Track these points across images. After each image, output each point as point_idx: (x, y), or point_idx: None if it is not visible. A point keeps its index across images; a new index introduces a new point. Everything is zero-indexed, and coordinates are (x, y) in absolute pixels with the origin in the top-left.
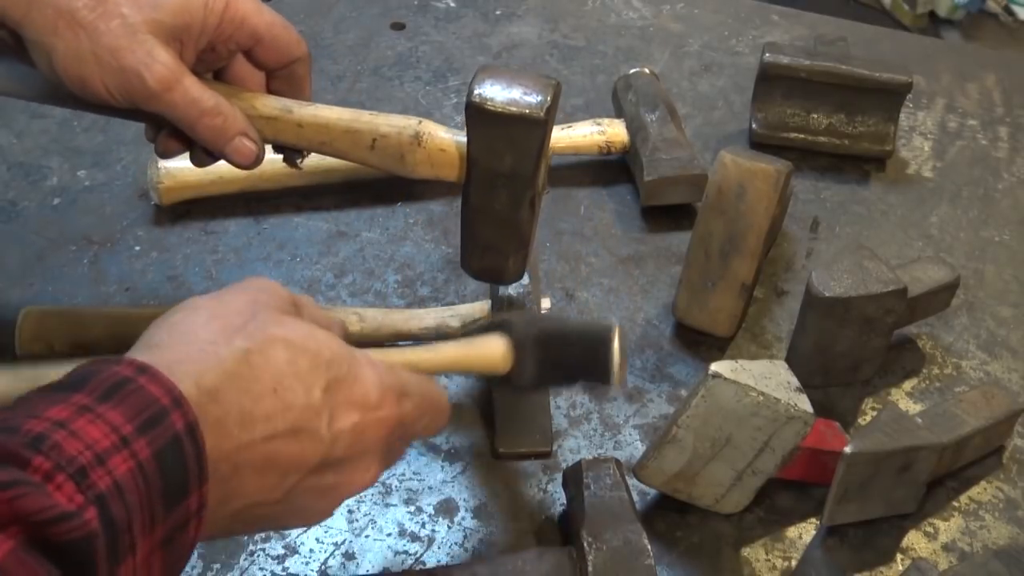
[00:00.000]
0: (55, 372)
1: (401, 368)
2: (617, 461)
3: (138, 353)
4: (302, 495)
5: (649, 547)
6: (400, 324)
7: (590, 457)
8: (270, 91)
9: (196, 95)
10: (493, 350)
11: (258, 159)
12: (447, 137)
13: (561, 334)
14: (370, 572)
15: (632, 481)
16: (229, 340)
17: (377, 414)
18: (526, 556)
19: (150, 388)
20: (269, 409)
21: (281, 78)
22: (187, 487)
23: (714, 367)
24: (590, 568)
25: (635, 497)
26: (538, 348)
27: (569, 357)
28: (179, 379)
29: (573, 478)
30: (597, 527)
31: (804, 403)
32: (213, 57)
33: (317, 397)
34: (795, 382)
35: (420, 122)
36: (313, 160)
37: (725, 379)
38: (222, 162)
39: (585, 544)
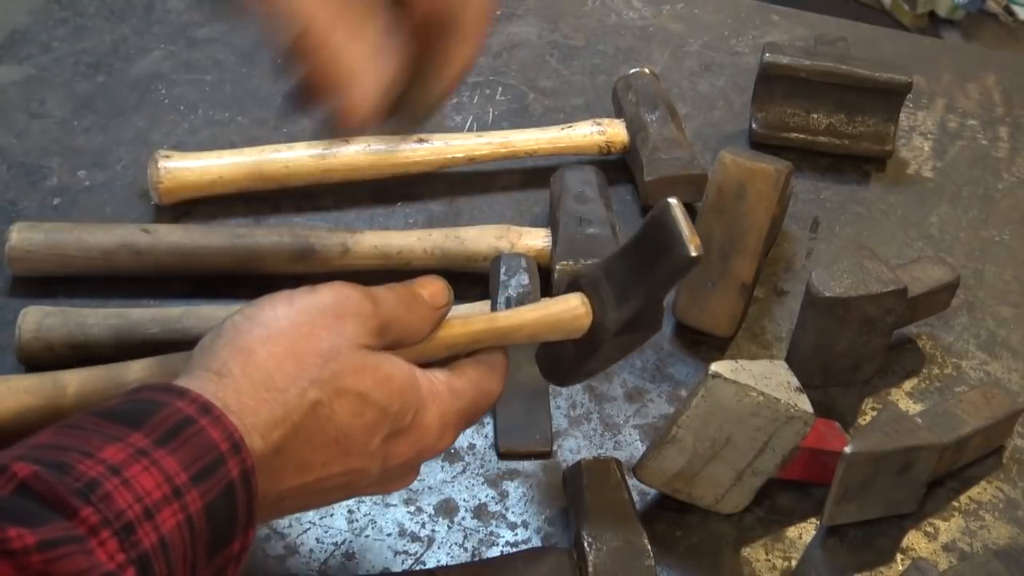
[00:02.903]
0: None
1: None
2: (617, 461)
3: (205, 380)
4: (339, 500)
5: (649, 547)
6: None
7: (590, 457)
8: None
9: None
10: (570, 302)
11: None
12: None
13: (623, 251)
14: (370, 572)
15: (632, 481)
16: (302, 390)
17: (431, 448)
18: (526, 556)
19: (211, 432)
20: (327, 457)
21: None
22: (233, 534)
23: (714, 367)
24: (590, 568)
25: (635, 497)
26: (609, 279)
27: (639, 262)
28: (246, 432)
29: (573, 478)
30: (597, 527)
31: (804, 403)
32: None
33: (376, 445)
34: (795, 382)
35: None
36: (312, 160)
37: (725, 379)
38: (221, 161)
39: (585, 544)
